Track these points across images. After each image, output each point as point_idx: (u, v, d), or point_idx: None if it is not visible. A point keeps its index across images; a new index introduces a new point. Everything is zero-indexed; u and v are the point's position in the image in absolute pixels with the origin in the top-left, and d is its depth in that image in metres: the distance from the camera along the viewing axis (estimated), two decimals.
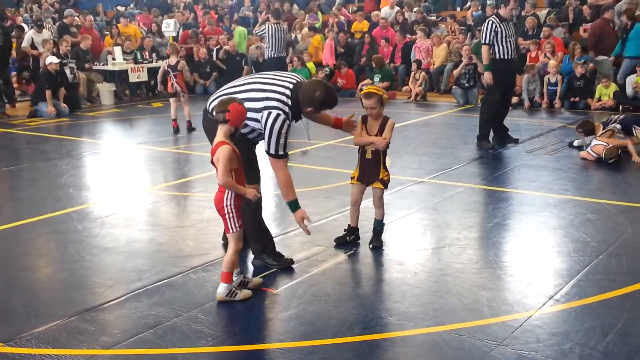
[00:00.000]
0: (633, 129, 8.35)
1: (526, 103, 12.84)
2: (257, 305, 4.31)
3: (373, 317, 4.12)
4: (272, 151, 4.62)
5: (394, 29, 16.75)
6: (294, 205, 4.75)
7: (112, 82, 15.21)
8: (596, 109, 12.20)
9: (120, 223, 6.08)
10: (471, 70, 13.48)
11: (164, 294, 4.53)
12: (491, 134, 9.36)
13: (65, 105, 13.13)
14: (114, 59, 15.30)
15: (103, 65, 15.55)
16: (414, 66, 14.80)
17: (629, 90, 12.01)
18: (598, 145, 8.14)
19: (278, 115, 4.54)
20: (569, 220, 5.89)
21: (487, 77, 9.09)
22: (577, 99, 12.51)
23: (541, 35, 14.11)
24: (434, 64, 15.29)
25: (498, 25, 8.84)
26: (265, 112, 4.55)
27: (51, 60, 12.93)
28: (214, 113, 4.34)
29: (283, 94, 4.61)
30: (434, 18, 17.47)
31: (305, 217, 4.74)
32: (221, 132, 4.26)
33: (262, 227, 5.03)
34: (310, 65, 15.90)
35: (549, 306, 4.19)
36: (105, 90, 14.82)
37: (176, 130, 10.84)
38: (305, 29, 17.45)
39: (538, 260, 5.00)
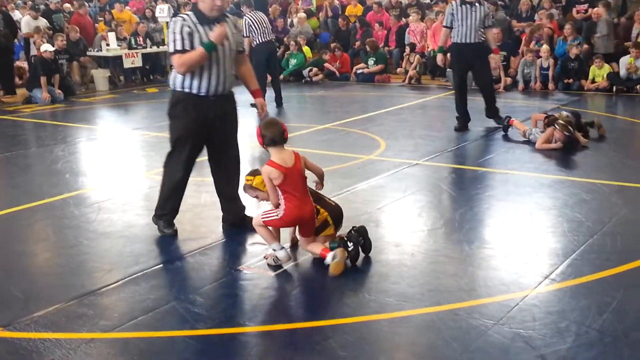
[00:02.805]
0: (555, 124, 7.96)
1: (520, 85, 12.85)
2: (255, 288, 4.33)
3: (371, 298, 4.14)
4: (171, 49, 4.93)
5: (388, 12, 16.70)
6: (208, 45, 4.87)
7: (106, 68, 15.15)
8: (590, 90, 12.22)
9: (117, 208, 6.09)
10: None
11: (162, 278, 4.55)
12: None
13: (60, 91, 13.09)
14: (107, 44, 15.23)
15: (97, 51, 15.48)
16: (407, 49, 14.78)
17: (622, 72, 12.02)
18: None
19: (178, 19, 4.93)
20: (564, 201, 5.93)
21: (438, 59, 9.25)
22: (571, 80, 12.52)
23: (536, 17, 14.09)
24: (428, 47, 15.27)
25: (457, 9, 8.74)
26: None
27: (46, 48, 12.88)
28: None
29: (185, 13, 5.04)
30: (427, 1, 17.41)
31: (225, 30, 4.90)
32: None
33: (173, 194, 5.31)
34: (306, 49, 15.86)
35: (545, 285, 4.23)
36: (100, 76, 14.75)
37: None
38: (301, 13, 17.36)
39: (533, 240, 5.04)
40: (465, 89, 9.19)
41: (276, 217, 4.56)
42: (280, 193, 4.53)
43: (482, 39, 8.86)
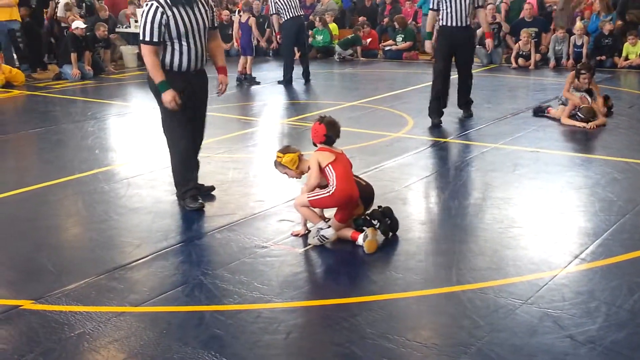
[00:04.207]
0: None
1: (551, 62, 12.66)
2: (283, 265, 4.35)
3: (398, 276, 4.14)
4: (140, 37, 5.10)
5: None
6: (162, 86, 5.09)
7: (135, 44, 15.19)
8: (623, 68, 12.00)
9: (146, 184, 6.14)
10: (495, 30, 13.29)
11: (190, 254, 4.58)
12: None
13: (90, 68, 13.19)
14: (136, 21, 15.27)
15: (126, 27, 15.54)
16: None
17: None
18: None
19: (152, 4, 5.02)
20: (595, 180, 5.84)
21: (426, 46, 8.44)
22: (604, 57, 12.30)
23: None
24: None
25: None
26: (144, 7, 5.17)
27: (77, 24, 12.95)
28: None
29: None
30: None
31: (175, 97, 5.07)
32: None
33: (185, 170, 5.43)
34: (333, 26, 15.76)
35: (575, 265, 4.18)
36: (129, 53, 14.84)
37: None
38: None
39: (564, 220, 4.98)
40: (449, 77, 8.36)
41: (327, 194, 4.53)
42: (333, 171, 4.54)
43: (468, 23, 8.09)
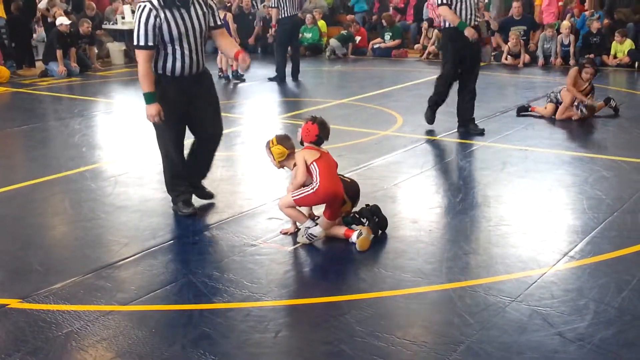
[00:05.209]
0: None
1: (540, 60, 12.70)
2: (272, 263, 4.33)
3: (387, 274, 4.13)
4: (135, 42, 4.87)
5: None
6: (148, 97, 4.90)
7: (121, 41, 15.12)
8: (611, 66, 12.05)
9: (134, 182, 6.10)
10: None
11: (179, 252, 4.56)
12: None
13: (76, 65, 13.10)
14: (123, 18, 15.19)
15: (112, 24, 15.45)
16: (425, 24, 14.63)
17: None
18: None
19: (145, 6, 4.80)
20: (584, 178, 5.86)
21: (469, 34, 7.31)
22: (593, 56, 12.34)
23: None
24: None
25: None
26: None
27: (62, 21, 12.87)
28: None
29: None
30: None
31: (160, 112, 4.90)
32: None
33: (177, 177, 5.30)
34: (321, 23, 15.74)
35: (564, 263, 4.19)
36: (116, 50, 14.76)
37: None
38: None
39: (552, 218, 4.99)
40: (453, 83, 7.79)
41: (311, 192, 4.50)
42: (316, 168, 4.52)
43: (478, 21, 7.53)
